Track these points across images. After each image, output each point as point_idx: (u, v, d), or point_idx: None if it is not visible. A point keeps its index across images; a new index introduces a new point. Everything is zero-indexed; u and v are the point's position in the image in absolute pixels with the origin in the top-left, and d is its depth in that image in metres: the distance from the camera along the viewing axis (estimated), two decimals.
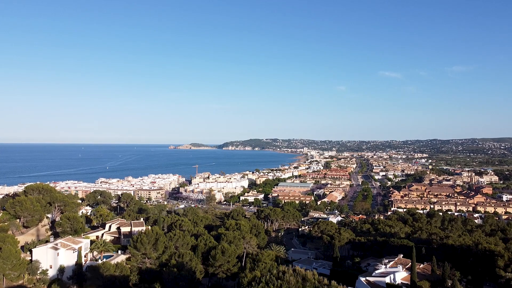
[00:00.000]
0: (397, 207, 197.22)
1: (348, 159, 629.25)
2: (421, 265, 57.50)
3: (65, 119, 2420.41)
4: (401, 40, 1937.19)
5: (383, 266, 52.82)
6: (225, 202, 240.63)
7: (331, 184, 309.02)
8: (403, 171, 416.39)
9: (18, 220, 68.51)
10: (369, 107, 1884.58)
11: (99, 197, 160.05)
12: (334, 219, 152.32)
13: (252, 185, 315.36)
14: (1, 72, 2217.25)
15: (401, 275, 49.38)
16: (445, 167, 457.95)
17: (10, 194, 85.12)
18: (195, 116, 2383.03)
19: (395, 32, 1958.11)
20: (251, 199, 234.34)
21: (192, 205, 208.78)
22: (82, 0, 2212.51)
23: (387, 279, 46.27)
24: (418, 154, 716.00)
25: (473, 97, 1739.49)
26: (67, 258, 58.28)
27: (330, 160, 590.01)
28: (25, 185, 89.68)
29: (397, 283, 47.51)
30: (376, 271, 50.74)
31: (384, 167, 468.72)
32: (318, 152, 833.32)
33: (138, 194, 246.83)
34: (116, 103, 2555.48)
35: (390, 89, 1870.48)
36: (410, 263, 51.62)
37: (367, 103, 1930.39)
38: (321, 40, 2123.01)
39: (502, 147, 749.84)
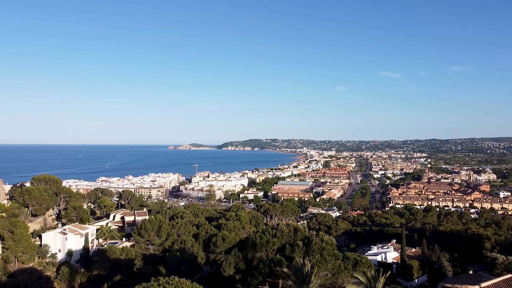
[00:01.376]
0: (395, 204, 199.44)
1: (348, 158, 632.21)
2: (413, 249, 60.18)
3: (65, 119, 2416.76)
4: (401, 40, 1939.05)
5: (376, 248, 55.60)
6: (225, 200, 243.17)
7: (330, 183, 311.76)
8: (402, 170, 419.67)
9: (26, 208, 71.25)
10: (369, 107, 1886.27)
11: (100, 194, 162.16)
12: (332, 214, 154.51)
13: (252, 183, 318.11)
14: (1, 73, 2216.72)
15: (392, 255, 52.14)
16: (443, 166, 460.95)
17: (18, 185, 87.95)
18: (195, 116, 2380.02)
19: (395, 32, 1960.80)
20: (250, 196, 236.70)
21: (193, 203, 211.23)
22: (82, 0, 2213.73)
23: (379, 258, 49.04)
24: (417, 154, 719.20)
25: (473, 97, 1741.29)
26: (75, 243, 61.05)
27: (329, 159, 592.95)
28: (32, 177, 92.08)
29: (388, 261, 50.25)
30: (369, 252, 53.52)
31: (383, 166, 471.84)
32: (317, 152, 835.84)
33: (138, 192, 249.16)
34: (116, 103, 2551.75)
35: (390, 89, 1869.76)
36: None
37: (367, 103, 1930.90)
38: (321, 40, 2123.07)
39: (501, 147, 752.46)
